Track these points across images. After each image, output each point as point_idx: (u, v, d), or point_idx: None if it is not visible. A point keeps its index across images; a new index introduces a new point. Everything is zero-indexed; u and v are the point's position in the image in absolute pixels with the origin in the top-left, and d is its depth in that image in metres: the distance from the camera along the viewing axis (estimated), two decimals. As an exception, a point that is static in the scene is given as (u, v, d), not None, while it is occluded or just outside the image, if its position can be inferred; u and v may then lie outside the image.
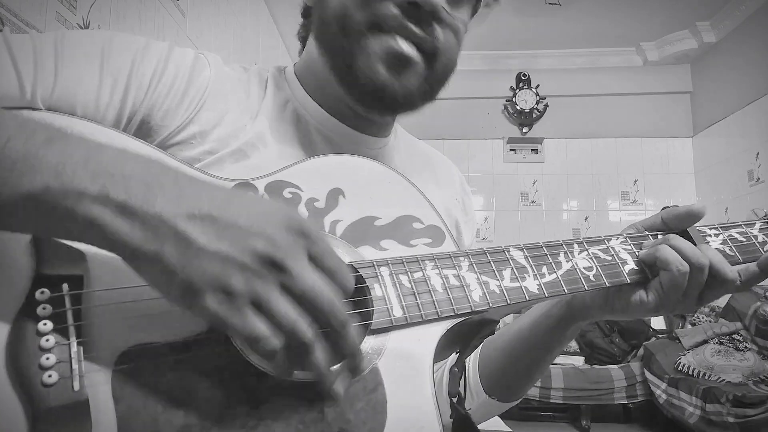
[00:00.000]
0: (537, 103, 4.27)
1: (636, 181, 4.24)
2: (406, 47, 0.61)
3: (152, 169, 0.40)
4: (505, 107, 4.35)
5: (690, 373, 2.83)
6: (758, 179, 3.42)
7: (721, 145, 3.82)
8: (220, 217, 0.39)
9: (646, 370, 3.12)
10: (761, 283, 0.65)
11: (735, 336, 2.96)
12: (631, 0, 3.53)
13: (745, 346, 2.89)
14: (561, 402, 3.19)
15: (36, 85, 0.51)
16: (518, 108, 4.28)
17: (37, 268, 0.42)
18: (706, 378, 2.74)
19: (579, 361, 3.39)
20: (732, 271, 0.60)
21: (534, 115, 4.29)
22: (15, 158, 0.37)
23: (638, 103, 4.25)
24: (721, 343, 2.96)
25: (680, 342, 3.10)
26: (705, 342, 3.03)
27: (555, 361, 3.25)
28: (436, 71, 0.65)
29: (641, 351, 3.28)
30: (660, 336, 3.40)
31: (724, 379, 2.68)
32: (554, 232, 4.24)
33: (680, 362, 2.92)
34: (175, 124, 0.60)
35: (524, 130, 4.34)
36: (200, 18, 2.47)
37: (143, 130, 0.58)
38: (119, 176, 0.38)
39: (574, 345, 3.50)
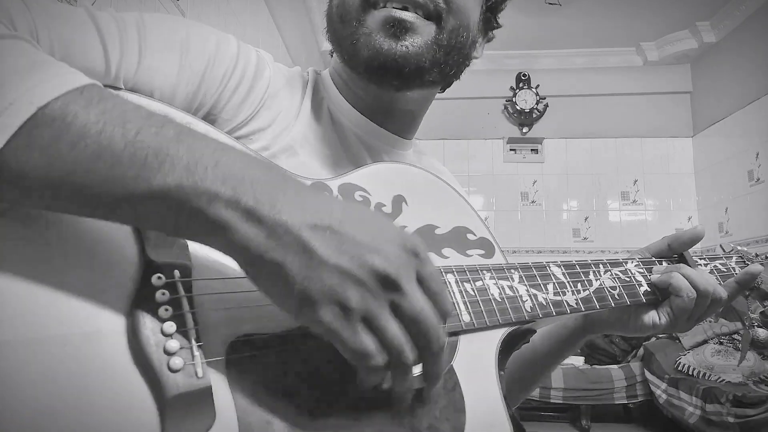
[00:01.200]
0: (537, 103, 4.27)
1: (636, 181, 4.23)
2: (402, 14, 0.62)
3: (276, 176, 0.40)
4: (505, 107, 4.35)
5: (690, 373, 2.83)
6: (758, 179, 3.42)
7: (721, 145, 3.82)
8: (341, 231, 0.40)
9: (646, 370, 3.12)
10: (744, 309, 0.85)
11: (735, 336, 2.97)
12: (631, 0, 3.53)
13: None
14: (561, 402, 3.19)
15: (120, 65, 0.52)
16: (518, 108, 4.28)
17: (144, 254, 0.42)
18: (706, 378, 2.74)
19: (579, 361, 3.39)
20: (724, 292, 0.71)
21: (534, 115, 4.29)
22: (146, 152, 0.37)
23: (638, 103, 4.25)
24: (721, 343, 2.96)
25: (680, 342, 3.10)
26: (705, 342, 3.03)
27: (555, 361, 3.26)
28: (445, 34, 0.64)
29: (641, 351, 3.28)
30: (660, 336, 3.39)
31: (724, 379, 2.68)
32: (554, 232, 4.24)
33: (680, 362, 2.92)
34: (239, 119, 0.62)
35: (524, 130, 4.34)
36: (200, 18, 2.47)
37: (208, 121, 0.60)
38: (248, 181, 0.38)
39: (574, 345, 3.50)
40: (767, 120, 3.36)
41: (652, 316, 0.70)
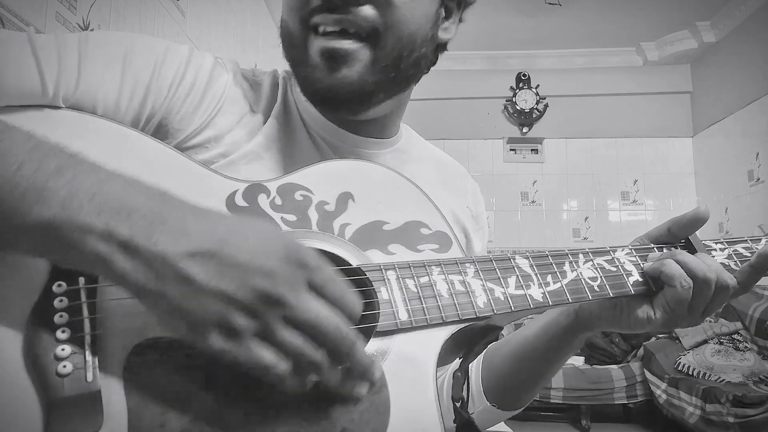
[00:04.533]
0: (537, 103, 4.27)
1: (636, 181, 4.24)
2: (335, 43, 0.59)
3: (157, 204, 0.41)
4: (505, 107, 4.35)
5: (690, 373, 2.83)
6: (758, 179, 3.42)
7: (721, 145, 3.82)
8: (221, 254, 0.39)
9: (646, 370, 3.12)
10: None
11: (735, 336, 2.97)
12: (631, 0, 3.53)
13: (745, 346, 2.89)
14: (561, 402, 3.19)
15: (59, 83, 0.52)
16: (518, 108, 4.28)
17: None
18: (706, 378, 2.74)
19: (579, 361, 3.39)
20: (731, 278, 0.61)
21: (534, 115, 4.29)
22: (25, 186, 0.38)
23: (638, 103, 4.25)
24: (721, 343, 2.96)
25: (680, 342, 3.10)
26: (705, 342, 3.03)
27: (555, 361, 3.25)
28: (384, 52, 0.61)
29: (641, 351, 3.28)
30: (660, 336, 3.39)
31: (724, 379, 2.68)
32: (554, 232, 4.24)
33: (680, 362, 2.92)
34: (192, 128, 0.61)
35: (524, 130, 4.34)
36: (200, 18, 2.47)
37: (160, 133, 0.59)
38: (125, 212, 0.39)
39: (574, 345, 3.50)
40: (767, 120, 3.36)
41: (646, 311, 0.62)
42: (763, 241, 0.71)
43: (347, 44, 0.59)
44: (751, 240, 0.71)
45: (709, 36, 3.88)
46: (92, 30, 1.43)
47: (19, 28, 1.36)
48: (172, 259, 0.38)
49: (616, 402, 3.19)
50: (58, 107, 0.52)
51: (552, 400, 3.18)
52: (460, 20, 0.71)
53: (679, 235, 0.67)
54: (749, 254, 0.68)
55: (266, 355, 0.40)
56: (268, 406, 0.45)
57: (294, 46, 0.63)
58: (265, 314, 0.40)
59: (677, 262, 0.60)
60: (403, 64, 0.63)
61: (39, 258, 0.43)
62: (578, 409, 3.23)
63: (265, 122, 0.66)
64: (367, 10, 0.59)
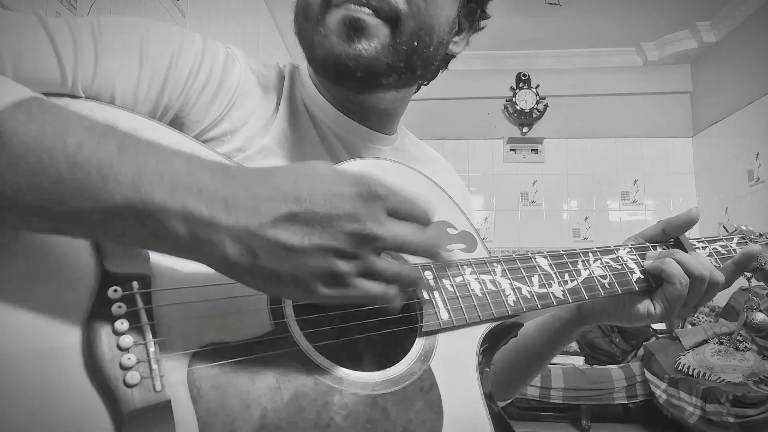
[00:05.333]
0: (537, 103, 4.27)
1: (636, 181, 4.23)
2: (359, 13, 0.59)
3: (223, 178, 0.40)
4: (505, 107, 4.35)
5: (690, 373, 2.83)
6: (758, 179, 3.41)
7: (721, 145, 3.82)
8: (302, 213, 0.40)
9: (646, 370, 3.12)
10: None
11: (735, 336, 2.96)
12: (631, 0, 3.53)
13: (745, 346, 2.89)
14: (561, 402, 3.19)
15: (77, 72, 0.49)
16: (518, 108, 4.28)
17: (102, 266, 0.41)
18: (706, 378, 2.74)
19: (579, 361, 3.39)
20: (720, 275, 0.68)
21: (534, 115, 4.29)
22: (88, 168, 0.36)
23: (638, 103, 4.25)
24: (721, 343, 2.96)
25: (680, 342, 3.09)
26: (705, 342, 3.02)
27: (555, 361, 3.26)
28: (402, 38, 0.60)
29: (641, 351, 3.28)
30: (660, 336, 3.39)
31: (724, 379, 2.68)
32: (554, 232, 4.24)
33: (680, 362, 2.92)
34: (208, 120, 0.60)
35: (524, 130, 4.33)
36: (200, 18, 2.47)
37: (176, 125, 0.58)
38: (196, 190, 0.38)
39: (574, 345, 3.49)
40: (767, 120, 3.36)
41: (646, 306, 0.67)
42: (735, 239, 0.79)
43: (369, 17, 0.59)
44: (725, 238, 0.79)
45: (709, 36, 3.88)
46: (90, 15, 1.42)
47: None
48: (259, 230, 0.38)
49: (616, 402, 3.18)
50: (77, 97, 0.50)
51: (552, 400, 3.18)
52: (467, 43, 0.73)
53: (672, 235, 0.72)
54: (725, 251, 0.76)
55: (375, 287, 0.43)
56: (331, 408, 0.45)
57: (310, 17, 0.62)
58: (362, 252, 0.42)
59: (676, 261, 0.65)
60: (416, 56, 0.63)
61: (105, 242, 0.41)
62: (578, 409, 3.23)
63: (275, 116, 0.66)
64: None
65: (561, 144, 4.34)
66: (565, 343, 0.74)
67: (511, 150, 4.37)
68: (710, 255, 0.75)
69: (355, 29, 0.59)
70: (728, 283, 0.71)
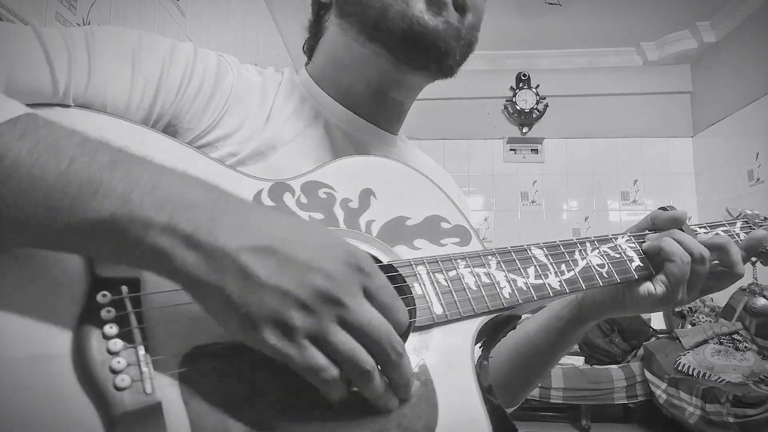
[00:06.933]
0: (537, 103, 4.27)
1: (636, 181, 4.24)
2: None
3: (215, 197, 0.40)
4: (505, 107, 4.35)
5: (690, 373, 2.83)
6: (758, 179, 3.42)
7: (721, 145, 3.82)
8: (281, 250, 0.39)
9: (646, 370, 3.12)
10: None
11: (735, 336, 2.96)
12: (631, 0, 3.53)
13: (745, 346, 2.89)
14: (561, 402, 3.19)
15: (69, 81, 0.50)
16: (518, 108, 4.28)
17: (91, 271, 0.42)
18: (706, 378, 2.74)
19: (579, 361, 3.39)
20: (738, 253, 0.66)
21: (534, 115, 4.29)
22: (79, 182, 0.36)
23: (638, 103, 4.25)
24: (721, 343, 2.96)
25: (680, 342, 3.09)
26: (705, 342, 3.03)
27: (555, 361, 3.25)
28: (464, 27, 0.64)
29: (641, 351, 3.28)
30: (660, 336, 3.40)
31: (724, 379, 2.68)
32: (554, 232, 4.24)
33: (680, 362, 2.92)
34: (201, 127, 0.60)
35: (524, 130, 4.34)
36: (200, 18, 2.47)
37: (169, 132, 0.58)
38: (185, 205, 0.38)
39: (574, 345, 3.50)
40: (767, 120, 3.36)
41: (647, 286, 0.65)
42: (738, 223, 0.77)
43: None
44: (728, 223, 0.77)
45: (709, 36, 3.88)
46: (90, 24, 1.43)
47: (19, 28, 1.36)
48: (234, 253, 0.38)
49: (616, 402, 3.19)
50: (67, 106, 0.50)
51: (552, 400, 3.18)
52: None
53: (661, 227, 0.70)
54: (729, 236, 0.73)
55: (318, 356, 0.40)
56: (327, 407, 0.45)
57: None
58: (321, 313, 0.40)
59: (675, 239, 0.64)
60: (468, 49, 0.66)
61: (90, 256, 0.41)
62: (578, 409, 3.23)
63: (269, 121, 0.66)
64: None
65: (561, 144, 4.34)
66: (568, 345, 0.72)
67: (511, 150, 4.37)
68: None
69: (438, 5, 0.61)
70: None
